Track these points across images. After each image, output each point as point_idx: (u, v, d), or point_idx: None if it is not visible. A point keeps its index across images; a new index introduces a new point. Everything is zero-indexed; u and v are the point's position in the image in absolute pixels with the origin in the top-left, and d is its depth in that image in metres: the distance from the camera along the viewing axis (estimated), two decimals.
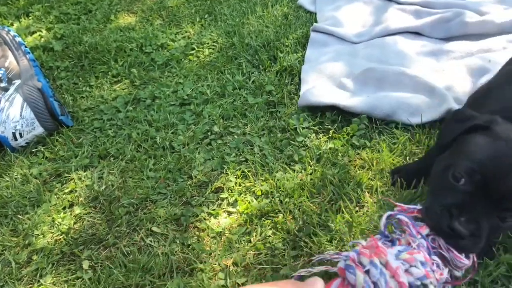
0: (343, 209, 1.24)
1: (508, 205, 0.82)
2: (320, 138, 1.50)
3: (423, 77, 1.57)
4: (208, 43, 2.12)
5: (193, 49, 2.09)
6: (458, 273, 0.89)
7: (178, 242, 1.24)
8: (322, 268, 1.02)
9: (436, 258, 0.85)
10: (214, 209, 1.32)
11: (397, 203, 0.98)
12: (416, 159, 1.36)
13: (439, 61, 1.73)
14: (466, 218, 0.82)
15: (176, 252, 1.21)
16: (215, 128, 1.60)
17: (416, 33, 1.91)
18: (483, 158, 0.83)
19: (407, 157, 1.37)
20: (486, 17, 1.83)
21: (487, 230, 0.84)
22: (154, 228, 1.28)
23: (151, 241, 1.25)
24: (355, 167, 1.38)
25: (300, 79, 1.77)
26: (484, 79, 1.52)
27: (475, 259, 0.90)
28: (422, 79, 1.56)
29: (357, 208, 1.25)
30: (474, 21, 1.82)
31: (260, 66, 1.89)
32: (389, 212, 0.91)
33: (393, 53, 1.78)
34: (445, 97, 1.45)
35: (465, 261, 0.86)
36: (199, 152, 1.51)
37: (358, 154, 1.42)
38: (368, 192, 1.29)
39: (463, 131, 0.91)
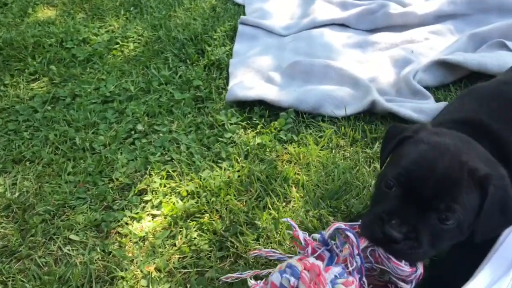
0: (270, 206, 1.22)
1: (439, 204, 0.81)
2: (248, 133, 1.47)
3: (348, 69, 1.57)
4: (133, 37, 2.03)
5: (117, 43, 2.00)
6: (406, 286, 0.87)
7: (98, 249, 1.17)
8: (251, 273, 0.99)
9: (365, 280, 0.86)
10: (137, 213, 1.26)
11: (341, 223, 0.97)
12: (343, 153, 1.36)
13: (364, 53, 1.75)
14: (398, 222, 0.82)
15: (95, 260, 1.14)
16: (139, 127, 1.53)
17: (342, 25, 1.91)
18: (408, 163, 0.85)
19: (333, 150, 1.37)
20: (408, 8, 1.87)
21: (427, 234, 0.82)
22: (72, 236, 1.20)
23: (69, 250, 1.17)
24: (282, 162, 1.36)
25: (228, 73, 1.73)
26: (407, 70, 1.54)
27: (422, 270, 0.88)
28: (347, 71, 1.56)
29: (284, 204, 1.23)
30: (397, 13, 1.85)
31: (188, 60, 1.83)
32: (339, 224, 0.89)
33: (320, 45, 1.78)
34: (368, 88, 1.46)
35: (405, 268, 0.85)
36: (121, 153, 1.44)
37: (286, 148, 1.40)
38: (294, 187, 1.27)
39: (395, 145, 0.92)
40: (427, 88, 1.52)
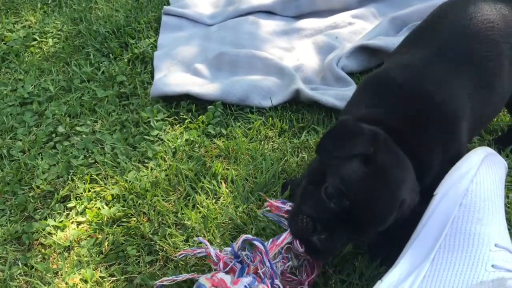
0: (199, 204, 1.20)
1: (366, 232, 0.88)
2: (175, 129, 1.44)
3: (273, 58, 1.57)
4: (52, 32, 1.93)
5: (35, 39, 1.89)
6: (294, 262, 0.95)
7: (20, 264, 1.11)
8: (188, 276, 0.98)
9: (278, 282, 0.89)
10: (61, 221, 1.20)
11: (269, 199, 1.01)
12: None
13: (290, 40, 1.74)
14: (327, 236, 0.87)
15: (16, 276, 1.08)
16: (60, 129, 1.46)
17: (268, 12, 1.90)
18: (355, 187, 0.85)
19: (262, 142, 1.36)
20: None
21: (341, 244, 0.90)
22: None
23: None
24: (211, 157, 1.34)
25: (153, 67, 1.68)
26: (331, 56, 1.55)
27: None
28: (273, 61, 1.55)
29: (213, 201, 1.21)
30: None
31: (110, 54, 1.76)
32: (246, 236, 0.91)
33: (246, 34, 1.75)
34: (293, 77, 1.46)
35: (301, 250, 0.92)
36: (42, 158, 1.37)
37: (215, 143, 1.38)
38: (224, 182, 1.26)
39: (349, 154, 0.89)
40: (351, 73, 1.54)
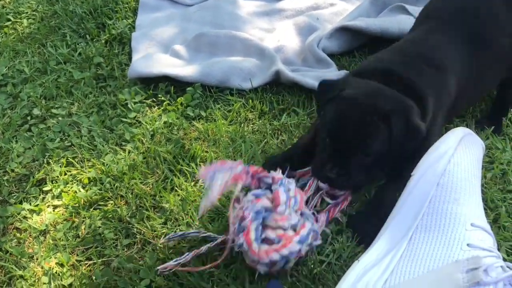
0: (178, 186, 1.18)
1: (358, 143, 1.01)
2: (154, 112, 1.42)
3: (254, 39, 1.54)
4: (26, 12, 1.88)
5: (9, 20, 1.85)
6: (330, 201, 1.09)
7: None
8: (191, 254, 0.97)
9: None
10: (37, 205, 1.18)
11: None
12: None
13: (271, 21, 1.72)
14: (331, 165, 1.02)
15: None
16: (36, 111, 1.43)
17: None
18: (331, 119, 1.05)
19: (242, 124, 1.35)
20: None
21: (356, 168, 1.03)
22: None
23: None
24: (190, 140, 1.32)
25: (131, 48, 1.64)
26: (311, 38, 1.54)
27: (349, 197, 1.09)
28: (253, 42, 1.53)
29: (192, 183, 1.20)
30: None
31: (87, 35, 1.72)
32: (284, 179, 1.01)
33: (226, 15, 1.73)
34: (274, 58, 1.44)
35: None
36: (17, 141, 1.34)
37: (194, 125, 1.36)
38: (203, 165, 1.24)
39: (325, 103, 1.08)
40: (332, 55, 1.53)
